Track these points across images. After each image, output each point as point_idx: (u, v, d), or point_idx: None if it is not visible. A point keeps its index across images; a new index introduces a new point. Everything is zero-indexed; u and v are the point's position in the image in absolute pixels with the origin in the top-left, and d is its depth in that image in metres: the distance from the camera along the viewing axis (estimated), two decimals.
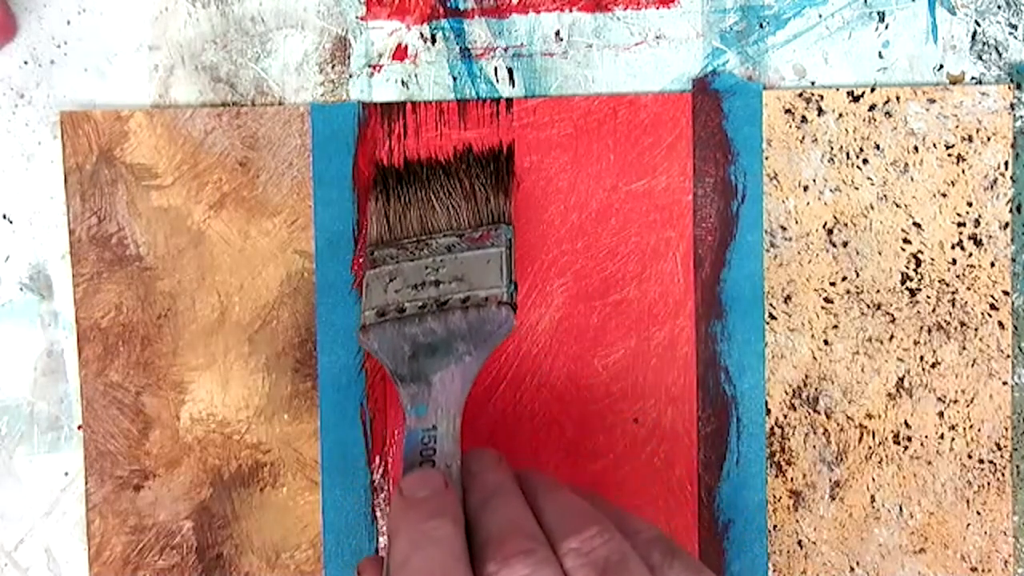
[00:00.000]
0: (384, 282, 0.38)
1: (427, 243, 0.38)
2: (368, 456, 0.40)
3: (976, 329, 0.40)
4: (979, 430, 0.40)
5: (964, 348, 0.40)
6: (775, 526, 0.40)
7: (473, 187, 0.39)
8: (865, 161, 0.40)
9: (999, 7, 0.40)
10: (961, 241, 0.40)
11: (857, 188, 0.40)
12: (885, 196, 0.40)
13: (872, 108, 0.40)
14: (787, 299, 0.40)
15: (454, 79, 0.41)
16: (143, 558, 0.41)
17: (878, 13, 0.40)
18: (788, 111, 0.40)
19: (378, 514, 0.40)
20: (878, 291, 0.40)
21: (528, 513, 0.31)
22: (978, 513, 0.40)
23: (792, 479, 0.40)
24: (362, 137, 0.40)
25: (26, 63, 0.41)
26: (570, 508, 0.32)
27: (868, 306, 0.40)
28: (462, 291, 0.37)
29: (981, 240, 0.40)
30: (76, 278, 0.41)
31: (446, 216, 0.38)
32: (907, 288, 0.40)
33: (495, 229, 0.38)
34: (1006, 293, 0.40)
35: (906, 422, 0.40)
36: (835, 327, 0.40)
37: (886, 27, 0.40)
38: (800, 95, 0.40)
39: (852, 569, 0.40)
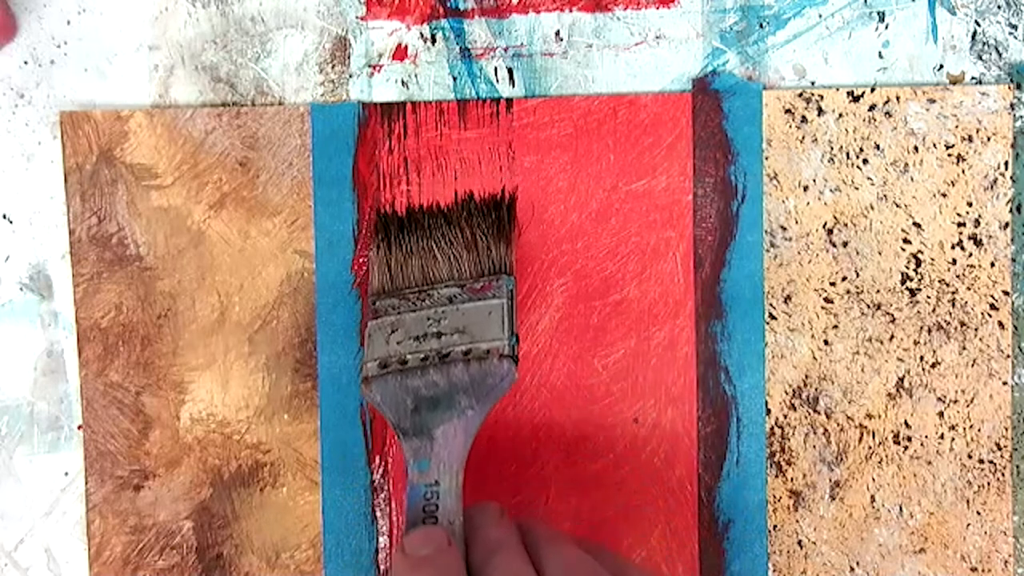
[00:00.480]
0: (386, 333, 0.38)
1: (429, 293, 0.38)
2: (368, 456, 0.40)
3: (976, 329, 0.40)
4: (979, 430, 0.40)
5: (964, 348, 0.40)
6: (775, 526, 0.40)
7: (475, 236, 0.38)
8: (865, 161, 0.40)
9: (999, 7, 0.40)
10: (961, 241, 0.40)
11: (857, 188, 0.40)
12: (885, 196, 0.40)
13: (872, 108, 0.40)
14: (787, 299, 0.40)
15: (454, 79, 0.41)
16: (143, 558, 0.41)
17: (878, 13, 0.40)
18: (788, 111, 0.40)
19: (378, 514, 0.40)
20: (878, 291, 0.40)
21: (530, 569, 0.32)
22: (978, 513, 0.40)
23: (792, 479, 0.40)
24: (362, 137, 0.40)
25: (26, 63, 0.41)
26: (570, 561, 0.32)
27: (868, 306, 0.40)
28: (464, 343, 0.37)
29: (981, 240, 0.40)
30: (76, 278, 0.41)
31: (447, 266, 0.38)
32: (907, 288, 0.40)
33: (496, 279, 0.38)
34: (1006, 293, 0.40)
35: (906, 422, 0.40)
36: (835, 327, 0.40)
37: (886, 27, 0.40)
38: (800, 95, 0.40)
39: (852, 569, 0.40)
